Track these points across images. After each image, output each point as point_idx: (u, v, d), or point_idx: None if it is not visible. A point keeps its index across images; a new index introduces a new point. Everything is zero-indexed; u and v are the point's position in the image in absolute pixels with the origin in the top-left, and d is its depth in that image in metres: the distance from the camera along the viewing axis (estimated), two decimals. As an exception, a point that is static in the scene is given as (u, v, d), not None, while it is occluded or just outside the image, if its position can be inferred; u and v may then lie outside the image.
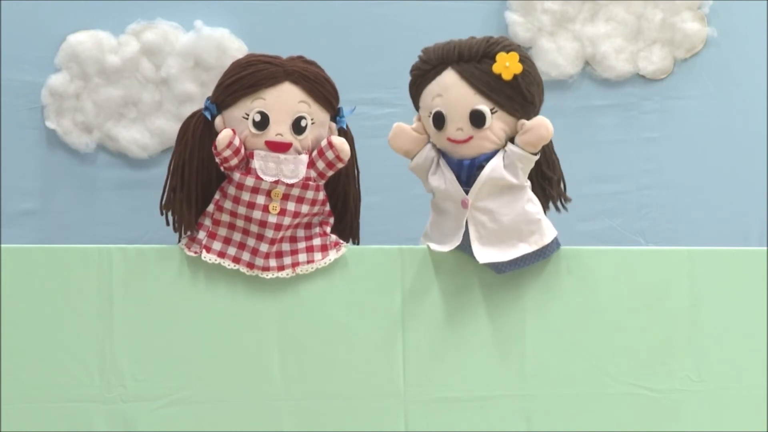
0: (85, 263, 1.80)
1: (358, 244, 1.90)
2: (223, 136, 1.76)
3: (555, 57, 2.36)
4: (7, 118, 2.32)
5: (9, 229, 2.31)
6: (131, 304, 1.80)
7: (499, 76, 1.75)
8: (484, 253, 1.79)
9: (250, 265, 1.81)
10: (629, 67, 2.40)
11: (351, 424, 1.81)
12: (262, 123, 1.78)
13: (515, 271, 1.81)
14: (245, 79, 1.78)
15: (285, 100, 1.79)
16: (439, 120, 1.79)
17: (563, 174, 1.87)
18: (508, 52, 1.75)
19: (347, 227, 1.89)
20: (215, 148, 1.76)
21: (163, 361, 1.80)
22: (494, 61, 1.75)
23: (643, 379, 1.83)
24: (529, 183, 1.81)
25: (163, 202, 1.83)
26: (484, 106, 1.76)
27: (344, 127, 1.85)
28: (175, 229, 1.83)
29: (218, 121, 1.80)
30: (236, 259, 1.81)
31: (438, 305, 1.82)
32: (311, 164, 1.80)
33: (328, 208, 1.84)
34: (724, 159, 2.41)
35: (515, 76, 1.75)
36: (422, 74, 1.81)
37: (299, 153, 1.80)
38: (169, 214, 1.83)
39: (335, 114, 1.84)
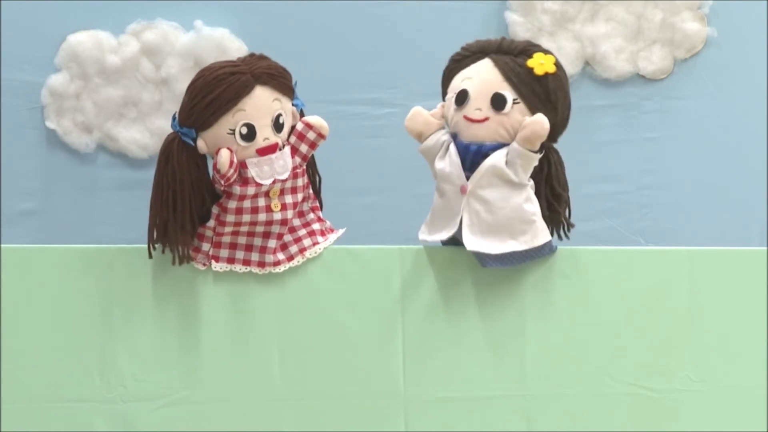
0: (85, 263, 1.80)
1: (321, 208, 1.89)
2: (225, 158, 1.74)
3: (555, 57, 2.36)
4: (7, 118, 2.32)
5: (9, 229, 2.31)
6: (131, 304, 1.80)
7: (530, 70, 1.78)
8: (473, 241, 1.80)
9: (261, 264, 1.81)
10: (629, 67, 2.40)
11: (351, 424, 1.81)
12: (250, 134, 1.77)
13: (501, 269, 1.81)
14: (221, 96, 1.75)
15: (262, 105, 1.78)
16: (461, 97, 1.81)
17: (569, 200, 1.87)
18: (546, 54, 1.80)
19: (320, 203, 1.90)
20: (218, 171, 1.75)
21: (163, 361, 1.80)
22: (531, 57, 1.79)
23: (643, 379, 1.83)
24: (531, 183, 1.81)
25: (155, 236, 1.77)
26: (508, 93, 1.79)
27: (302, 108, 1.84)
28: (173, 262, 1.78)
29: (201, 143, 1.77)
30: (246, 262, 1.81)
31: (438, 305, 1.82)
32: (294, 151, 1.81)
33: (311, 190, 1.85)
34: (724, 159, 2.42)
35: (546, 74, 1.78)
36: (460, 59, 1.84)
37: (282, 147, 1.80)
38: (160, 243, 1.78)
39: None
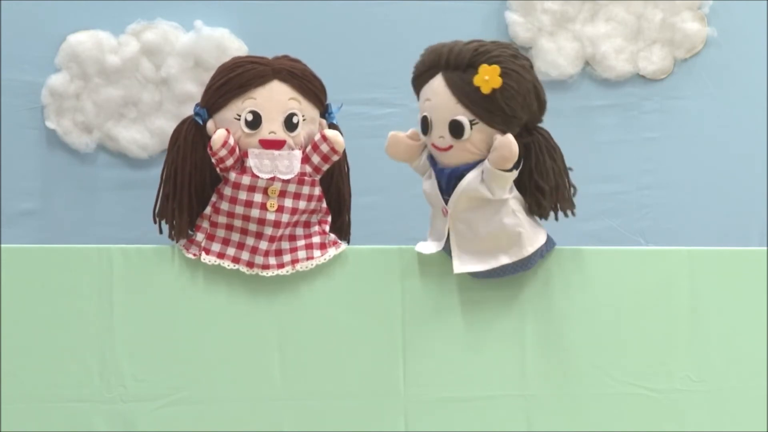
0: (85, 263, 1.80)
1: (349, 242, 1.90)
2: (218, 136, 1.77)
3: (555, 57, 2.36)
4: (7, 118, 2.32)
5: (9, 229, 2.31)
6: (131, 304, 1.80)
7: (478, 89, 1.72)
8: (462, 263, 1.79)
9: (250, 264, 1.81)
10: (629, 67, 2.40)
11: (351, 424, 1.81)
12: (255, 122, 1.79)
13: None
14: (234, 80, 1.79)
15: (275, 98, 1.79)
16: (424, 125, 1.79)
17: (565, 182, 1.80)
18: (491, 63, 1.72)
19: (342, 226, 1.90)
20: (210, 148, 1.77)
21: (163, 361, 1.80)
22: (477, 72, 1.72)
23: (643, 379, 1.83)
24: (513, 194, 1.78)
25: (157, 210, 1.83)
26: (464, 117, 1.75)
27: (335, 123, 1.85)
28: (170, 237, 1.82)
29: (210, 124, 1.80)
30: (236, 259, 1.81)
31: (438, 305, 1.82)
32: (306, 159, 1.81)
33: (324, 204, 1.84)
34: (724, 159, 2.41)
35: (493, 90, 1.72)
36: (418, 75, 1.80)
37: (292, 149, 1.80)
38: (163, 222, 1.83)
39: (324, 110, 1.85)
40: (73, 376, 1.79)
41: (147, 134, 2.34)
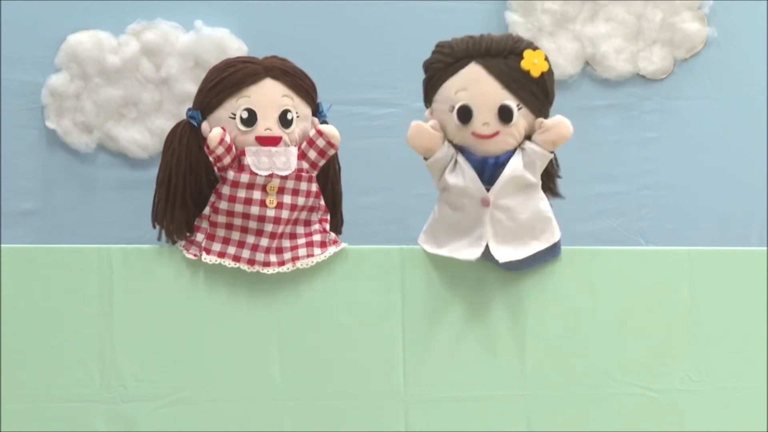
0: (85, 263, 1.80)
1: (340, 233, 1.90)
2: (214, 134, 1.77)
3: (555, 57, 2.36)
4: (7, 118, 2.32)
5: (9, 229, 2.31)
6: (131, 304, 1.80)
7: (526, 73, 1.75)
8: (502, 252, 1.78)
9: (251, 262, 1.81)
10: (629, 67, 2.40)
11: (351, 424, 1.81)
12: (250, 119, 1.79)
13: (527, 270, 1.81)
14: (227, 79, 1.79)
15: (269, 96, 1.80)
16: (465, 114, 1.77)
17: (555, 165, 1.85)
18: (534, 50, 1.76)
19: (338, 223, 1.90)
20: (207, 147, 1.77)
21: (163, 361, 1.80)
22: (521, 57, 1.75)
23: (643, 379, 1.83)
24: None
25: (154, 214, 1.82)
26: (512, 102, 1.76)
27: (326, 122, 1.85)
28: (167, 240, 1.82)
29: (205, 126, 1.80)
30: (236, 258, 1.81)
31: (438, 305, 1.82)
32: (302, 156, 1.81)
33: (322, 202, 1.85)
34: (724, 159, 2.42)
35: (542, 74, 1.76)
36: (444, 67, 1.78)
37: (288, 146, 1.81)
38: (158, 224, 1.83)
39: (315, 109, 1.85)
40: (73, 376, 1.79)
41: (147, 134, 2.35)
